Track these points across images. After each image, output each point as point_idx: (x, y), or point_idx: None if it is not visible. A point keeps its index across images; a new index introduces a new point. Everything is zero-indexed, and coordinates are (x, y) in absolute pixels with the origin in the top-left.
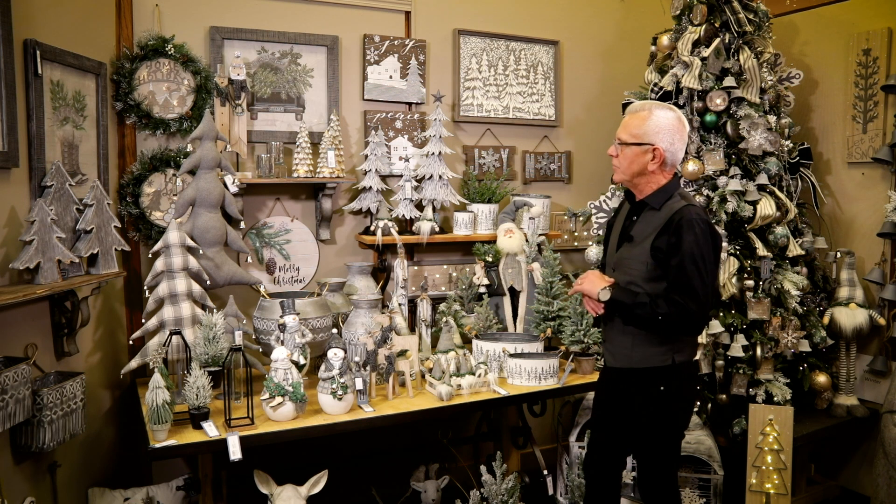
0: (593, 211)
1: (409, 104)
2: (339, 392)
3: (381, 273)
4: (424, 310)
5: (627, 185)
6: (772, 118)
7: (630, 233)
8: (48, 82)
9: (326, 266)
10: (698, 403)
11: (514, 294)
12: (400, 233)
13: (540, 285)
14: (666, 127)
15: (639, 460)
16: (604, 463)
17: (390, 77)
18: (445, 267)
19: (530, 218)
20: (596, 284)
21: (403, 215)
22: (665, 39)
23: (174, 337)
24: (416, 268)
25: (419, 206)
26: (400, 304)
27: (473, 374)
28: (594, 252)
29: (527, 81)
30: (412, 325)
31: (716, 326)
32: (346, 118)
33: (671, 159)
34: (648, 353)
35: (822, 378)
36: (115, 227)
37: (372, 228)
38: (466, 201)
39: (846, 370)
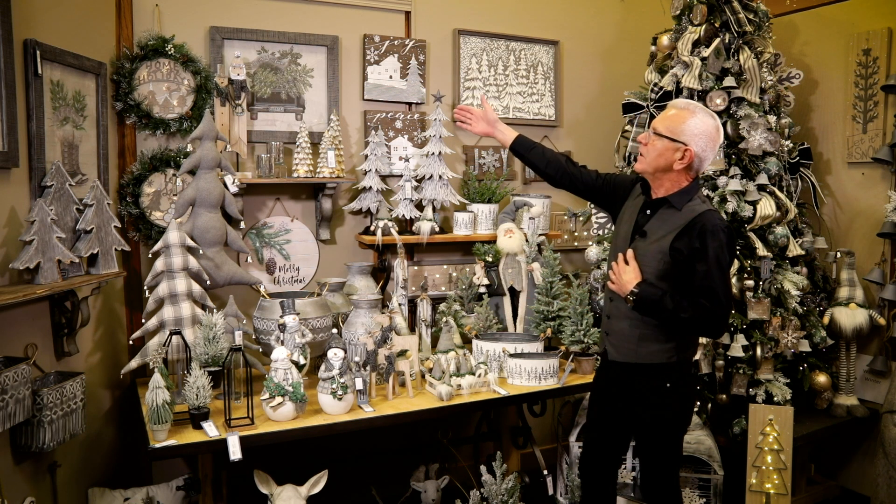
0: (593, 211)
1: (409, 104)
2: (339, 392)
3: (381, 273)
4: (424, 310)
5: (647, 176)
6: (772, 118)
7: (644, 228)
8: (48, 82)
9: (326, 266)
10: (698, 403)
11: (514, 294)
12: (400, 233)
13: (540, 285)
14: (704, 132)
15: (642, 459)
16: (601, 461)
17: (390, 77)
18: (445, 267)
19: (530, 218)
20: (627, 285)
21: (403, 215)
22: (665, 39)
23: (174, 337)
24: (416, 268)
25: (419, 206)
26: (400, 304)
27: (473, 374)
28: (594, 252)
29: (527, 81)
30: (412, 325)
31: None
32: (346, 118)
33: (697, 164)
34: (654, 349)
35: (822, 378)
36: (115, 227)
37: (372, 228)
38: (466, 201)
39: (846, 370)
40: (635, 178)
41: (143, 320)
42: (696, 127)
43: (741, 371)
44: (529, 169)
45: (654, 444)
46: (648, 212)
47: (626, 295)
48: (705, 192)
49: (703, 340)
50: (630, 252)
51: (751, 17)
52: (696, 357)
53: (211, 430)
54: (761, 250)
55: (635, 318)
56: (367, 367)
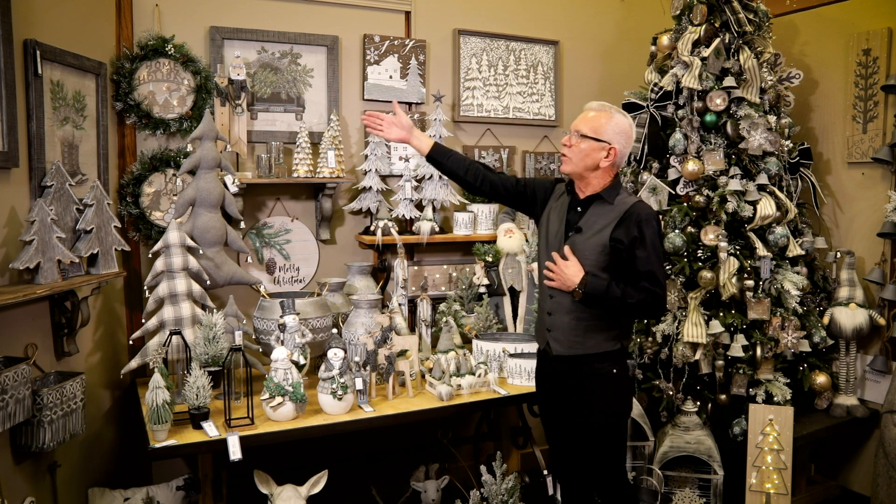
0: None
1: (410, 104)
2: (339, 392)
3: (381, 273)
4: (424, 310)
5: (575, 177)
6: (772, 118)
7: (578, 224)
8: (48, 82)
9: (326, 266)
10: (698, 403)
11: (514, 294)
12: (400, 233)
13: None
14: (623, 131)
15: (592, 451)
16: (570, 460)
17: (390, 77)
18: (445, 267)
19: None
20: (571, 279)
21: (403, 215)
22: (665, 39)
23: (174, 337)
24: (416, 268)
25: (419, 206)
26: (400, 304)
27: (473, 374)
28: None
29: (527, 81)
30: (412, 325)
31: (716, 326)
32: (346, 118)
33: (619, 161)
34: (600, 338)
35: (822, 378)
36: (115, 227)
37: (372, 228)
38: (466, 201)
39: (846, 370)
40: (554, 180)
41: (143, 320)
42: (616, 126)
43: (741, 371)
44: (448, 177)
45: (602, 431)
46: (580, 209)
47: (575, 288)
48: (705, 191)
49: (702, 341)
50: (567, 248)
51: (751, 17)
52: (696, 357)
53: (211, 430)
54: (761, 250)
55: (579, 310)
56: (367, 367)
